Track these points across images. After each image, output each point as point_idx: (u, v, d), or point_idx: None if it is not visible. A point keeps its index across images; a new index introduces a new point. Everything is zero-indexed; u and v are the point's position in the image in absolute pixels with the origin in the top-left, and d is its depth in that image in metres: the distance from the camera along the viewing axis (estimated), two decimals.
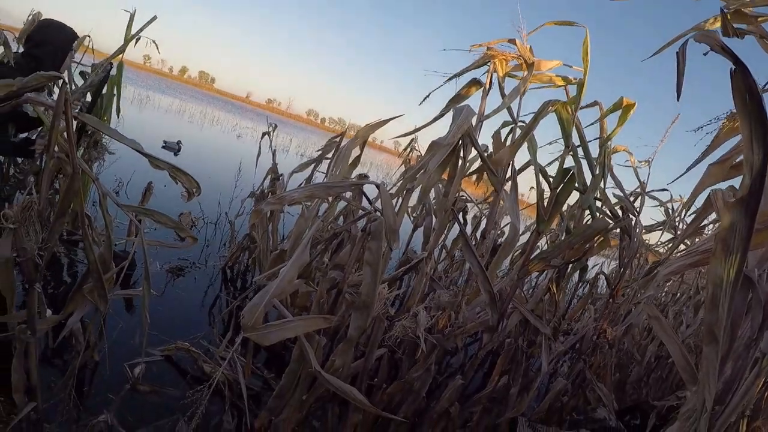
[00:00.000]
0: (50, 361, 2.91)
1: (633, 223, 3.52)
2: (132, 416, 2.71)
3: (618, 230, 3.56)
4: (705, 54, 1.19)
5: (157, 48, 4.90)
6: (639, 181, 3.95)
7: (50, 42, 3.15)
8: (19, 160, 4.78)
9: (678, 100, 1.32)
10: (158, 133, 13.33)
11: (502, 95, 3.14)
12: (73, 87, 3.83)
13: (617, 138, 3.22)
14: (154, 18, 3.68)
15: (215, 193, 6.44)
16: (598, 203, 3.39)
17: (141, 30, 3.52)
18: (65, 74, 3.52)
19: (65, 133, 1.67)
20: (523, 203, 4.09)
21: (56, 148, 1.77)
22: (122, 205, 1.95)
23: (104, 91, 4.08)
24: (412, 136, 5.14)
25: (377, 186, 2.18)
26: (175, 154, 10.81)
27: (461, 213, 5.13)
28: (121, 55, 3.97)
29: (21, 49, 4.80)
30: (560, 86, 3.11)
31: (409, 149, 6.32)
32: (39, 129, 3.41)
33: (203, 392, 2.46)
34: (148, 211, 2.04)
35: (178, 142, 11.55)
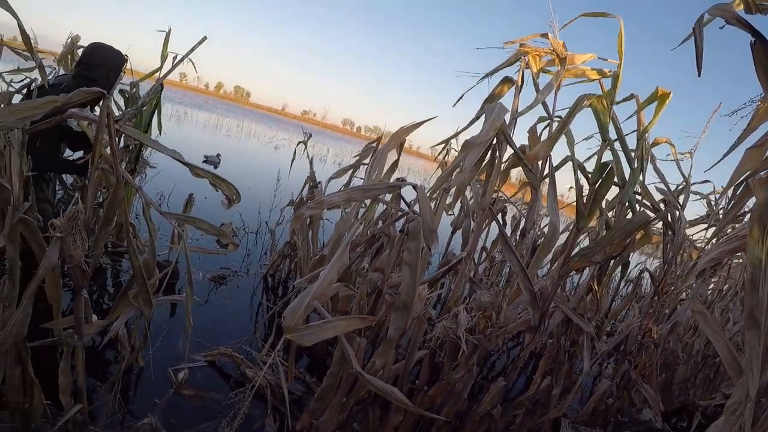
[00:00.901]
0: (96, 365, 2.97)
1: (676, 216, 3.44)
2: (175, 419, 2.75)
3: (661, 226, 3.49)
4: (721, 28, 1.17)
5: (195, 67, 4.98)
6: (681, 173, 3.86)
7: (102, 64, 3.27)
8: (72, 178, 4.90)
9: (699, 76, 1.29)
10: (197, 147, 13.56)
11: (537, 91, 3.11)
12: (114, 106, 3.92)
13: (659, 130, 3.17)
14: (204, 39, 3.75)
15: (255, 203, 6.50)
16: (639, 197, 3.33)
17: (191, 51, 3.57)
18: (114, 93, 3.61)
19: (109, 146, 1.72)
20: (562, 203, 4.04)
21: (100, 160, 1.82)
22: (165, 213, 1.98)
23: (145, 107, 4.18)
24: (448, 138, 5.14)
25: (414, 187, 2.18)
26: (215, 167, 10.98)
27: (500, 213, 5.10)
28: (158, 73, 4.04)
29: (61, 71, 4.92)
30: (595, 80, 3.07)
31: (444, 152, 6.30)
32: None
33: (245, 396, 2.48)
34: (191, 218, 2.07)
35: (218, 155, 11.77)
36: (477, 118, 2.84)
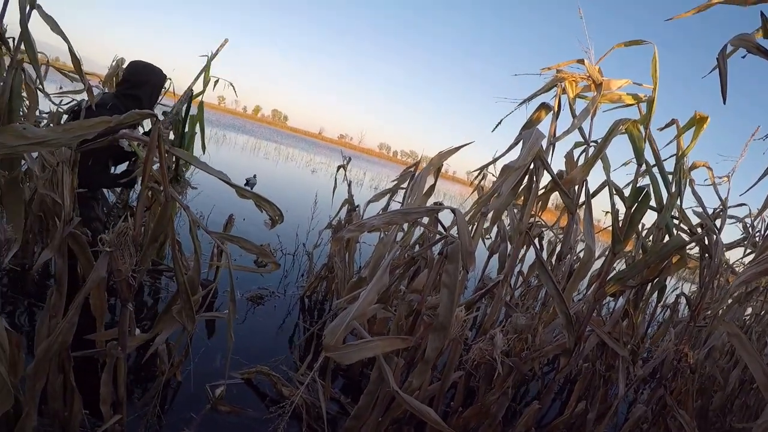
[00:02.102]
0: (136, 377, 3.06)
1: (714, 240, 3.41)
2: None
3: (697, 250, 3.47)
4: (743, 57, 1.20)
5: (234, 90, 5.09)
6: (719, 197, 3.83)
7: (146, 83, 3.36)
8: (118, 191, 5.04)
9: (724, 103, 1.32)
10: (236, 169, 13.73)
11: (573, 116, 3.14)
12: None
13: (696, 154, 3.18)
14: (226, 41, 3.85)
15: (293, 225, 6.57)
16: (676, 221, 3.32)
17: (214, 55, 3.68)
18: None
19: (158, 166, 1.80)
20: (598, 227, 4.03)
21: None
22: (211, 232, 2.05)
23: (186, 129, 4.29)
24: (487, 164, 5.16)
25: (453, 211, 2.22)
26: (251, 187, 11.11)
27: (537, 238, 5.10)
28: (200, 96, 4.16)
29: (105, 89, 5.06)
30: (630, 105, 3.09)
31: (480, 177, 6.32)
32: (134, 159, 3.59)
33: (282, 413, 2.52)
34: (235, 238, 2.13)
35: (254, 176, 11.94)
36: (515, 143, 2.88)
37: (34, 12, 2.05)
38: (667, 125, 3.24)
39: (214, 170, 1.84)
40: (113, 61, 5.39)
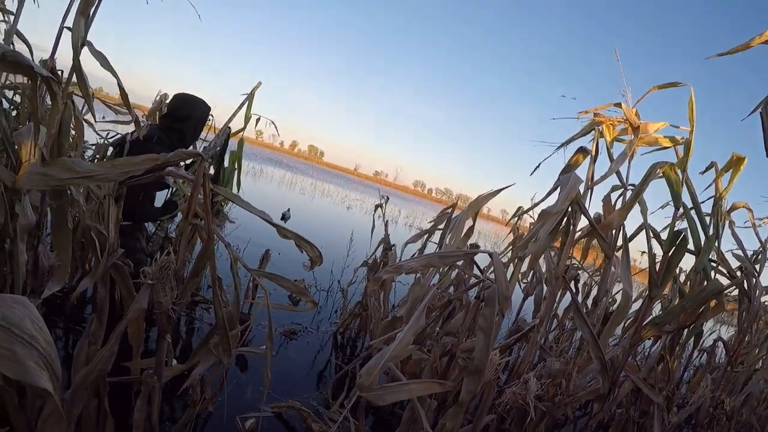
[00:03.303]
0: (168, 406, 3.09)
1: (753, 284, 3.36)
2: None
3: (737, 293, 3.42)
4: None
5: (276, 129, 5.20)
6: (759, 239, 3.78)
7: (190, 116, 3.41)
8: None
9: (767, 156, 1.32)
10: (273, 203, 13.91)
11: (611, 160, 3.14)
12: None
13: (735, 195, 3.15)
14: (260, 84, 3.95)
15: (328, 261, 6.58)
16: (714, 264, 3.29)
17: (251, 95, 3.76)
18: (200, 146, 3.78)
19: (202, 203, 1.85)
20: (634, 268, 3.98)
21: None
22: (250, 269, 2.09)
23: (226, 164, 4.39)
24: (525, 210, 5.17)
25: (490, 255, 2.24)
26: (285, 221, 11.29)
27: (572, 281, 5.06)
28: (241, 133, 4.26)
29: (148, 122, 5.18)
30: (668, 147, 3.09)
31: (517, 218, 6.30)
32: (173, 190, 3.65)
33: None
34: (272, 275, 2.18)
35: (288, 210, 12.13)
36: (554, 189, 2.89)
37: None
38: (707, 169, 3.23)
39: (256, 209, 1.89)
40: (157, 95, 5.54)
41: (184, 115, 3.40)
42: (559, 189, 2.52)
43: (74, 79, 2.14)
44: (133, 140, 3.06)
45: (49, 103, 1.94)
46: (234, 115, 4.14)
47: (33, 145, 1.79)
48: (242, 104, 4.13)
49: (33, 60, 2.94)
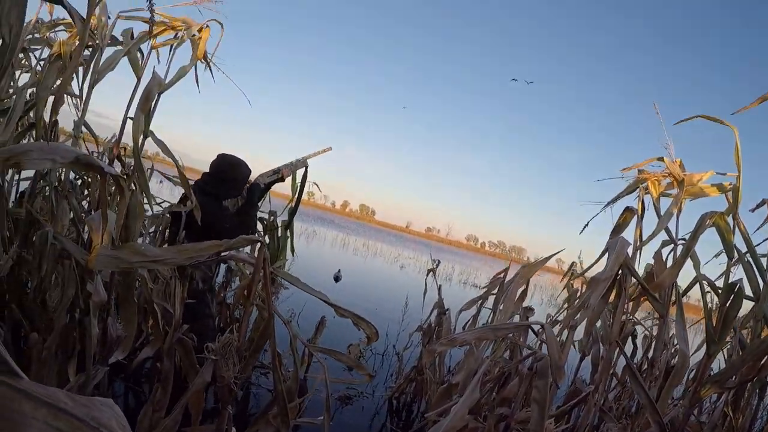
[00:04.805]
0: None
1: None
2: None
3: None
4: None
5: (318, 188, 5.33)
6: None
7: (234, 179, 3.53)
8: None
9: None
10: (325, 264, 14.06)
11: (658, 216, 3.10)
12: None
13: None
14: (329, 149, 4.04)
15: (383, 324, 6.60)
16: None
17: (314, 155, 3.85)
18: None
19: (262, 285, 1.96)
20: (689, 307, 3.77)
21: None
22: (308, 345, 2.16)
23: (280, 233, 4.51)
24: (575, 260, 5.12)
25: (542, 326, 2.24)
26: (337, 282, 11.41)
27: (630, 337, 4.94)
28: (294, 198, 4.36)
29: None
30: (715, 196, 3.03)
31: (570, 274, 6.23)
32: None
33: None
34: (328, 350, 2.23)
35: (339, 271, 12.26)
36: (602, 254, 2.87)
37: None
38: (758, 206, 3.15)
39: (313, 291, 1.98)
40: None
41: (227, 177, 3.51)
42: (607, 254, 2.51)
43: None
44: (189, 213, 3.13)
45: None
46: (302, 186, 4.26)
47: (103, 230, 1.90)
48: (303, 180, 4.24)
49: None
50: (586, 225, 3.33)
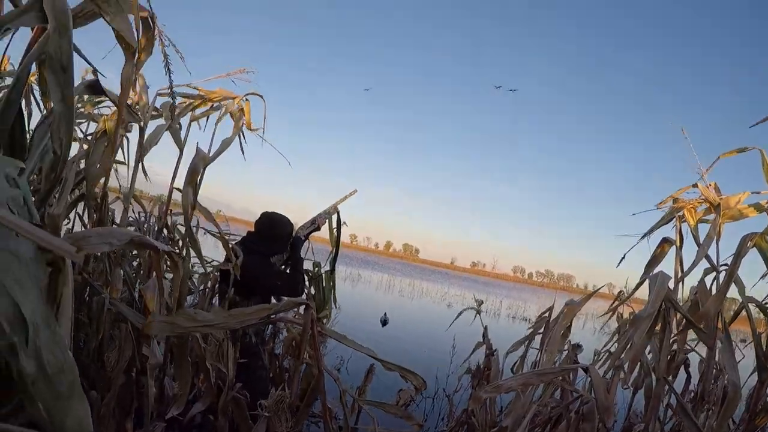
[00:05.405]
0: None
1: None
2: None
3: None
4: None
5: (345, 224, 5.43)
6: None
7: (279, 236, 3.60)
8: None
9: None
10: (371, 307, 14.09)
11: (698, 244, 3.06)
12: None
13: None
14: (355, 191, 4.13)
15: (431, 366, 6.60)
16: None
17: (343, 199, 3.95)
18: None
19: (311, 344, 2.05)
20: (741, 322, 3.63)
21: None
22: (358, 399, 2.23)
23: (323, 284, 4.58)
24: (621, 289, 5.07)
25: (585, 370, 2.25)
26: (384, 325, 11.42)
27: (683, 365, 4.84)
28: (333, 248, 4.43)
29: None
30: (754, 216, 2.99)
31: (613, 311, 6.15)
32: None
33: None
34: (378, 403, 2.29)
35: (385, 314, 12.27)
36: (640, 283, 2.86)
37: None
38: None
39: (361, 347, 2.08)
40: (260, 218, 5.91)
41: (272, 235, 3.59)
42: (648, 288, 2.50)
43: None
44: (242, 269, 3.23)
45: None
46: (339, 232, 4.34)
47: (160, 300, 2.00)
48: (338, 226, 4.33)
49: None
50: (623, 258, 3.31)
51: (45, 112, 2.26)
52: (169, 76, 2.23)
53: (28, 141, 1.55)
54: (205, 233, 5.23)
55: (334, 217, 4.25)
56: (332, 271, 4.40)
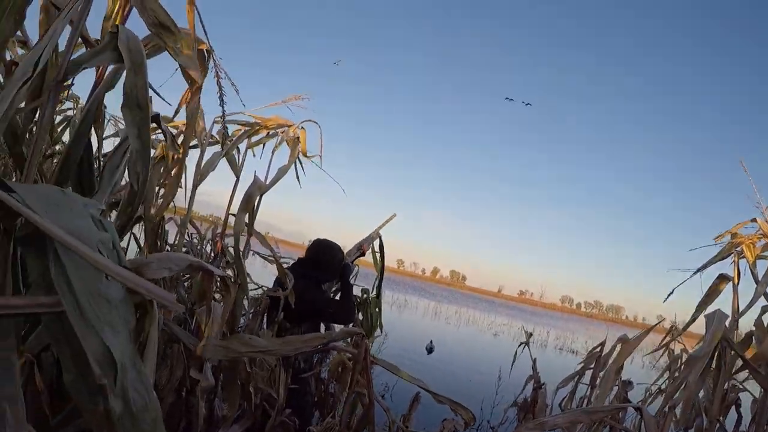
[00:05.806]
0: None
1: None
2: None
3: None
4: None
5: (375, 250, 5.44)
6: None
7: (329, 262, 3.66)
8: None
9: None
10: (419, 335, 14.04)
11: (756, 281, 2.97)
12: None
13: None
14: (394, 215, 4.16)
15: (477, 396, 6.54)
16: None
17: (382, 225, 3.98)
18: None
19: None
20: None
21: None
22: (406, 430, 2.26)
23: (370, 310, 4.61)
24: (672, 323, 4.97)
25: (637, 410, 2.21)
26: (429, 353, 11.37)
27: (734, 405, 4.69)
28: (378, 274, 4.45)
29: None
30: None
31: (670, 340, 6.01)
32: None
33: None
34: None
35: (431, 342, 12.22)
36: (693, 319, 2.80)
37: None
38: None
39: (413, 378, 2.13)
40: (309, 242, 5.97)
41: (323, 261, 3.65)
42: (705, 327, 2.43)
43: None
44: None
45: None
46: (382, 257, 4.37)
47: (212, 323, 2.05)
48: (381, 251, 4.36)
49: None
50: (671, 293, 3.25)
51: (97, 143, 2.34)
52: (222, 107, 2.28)
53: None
54: (253, 254, 5.30)
55: (376, 243, 4.28)
56: (378, 296, 4.43)
